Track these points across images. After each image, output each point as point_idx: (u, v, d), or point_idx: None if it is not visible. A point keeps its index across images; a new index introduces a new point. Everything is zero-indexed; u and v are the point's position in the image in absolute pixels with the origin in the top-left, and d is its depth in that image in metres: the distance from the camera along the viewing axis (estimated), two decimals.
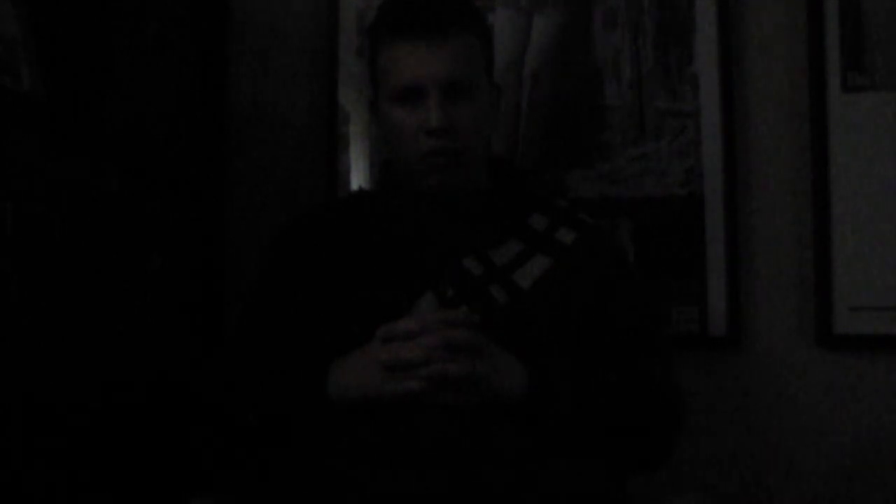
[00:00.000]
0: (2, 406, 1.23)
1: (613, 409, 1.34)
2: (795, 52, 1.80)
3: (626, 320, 1.44)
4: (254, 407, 1.37)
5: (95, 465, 1.40)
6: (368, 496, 1.22)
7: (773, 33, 1.82)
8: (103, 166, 1.46)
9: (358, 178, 1.88)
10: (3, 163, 1.24)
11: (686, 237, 1.79)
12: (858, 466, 1.75)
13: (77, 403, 1.37)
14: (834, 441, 1.76)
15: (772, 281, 1.79)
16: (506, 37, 1.86)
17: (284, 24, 1.93)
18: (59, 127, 1.39)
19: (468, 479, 1.22)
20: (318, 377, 1.32)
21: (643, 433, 1.38)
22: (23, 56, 1.33)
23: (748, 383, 1.79)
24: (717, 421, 1.78)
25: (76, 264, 1.38)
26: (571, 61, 1.85)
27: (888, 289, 1.74)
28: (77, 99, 1.44)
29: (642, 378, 1.39)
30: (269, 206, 1.89)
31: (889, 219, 1.74)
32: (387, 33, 1.41)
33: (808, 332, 1.77)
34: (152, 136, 1.63)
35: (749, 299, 1.79)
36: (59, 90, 1.40)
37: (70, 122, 1.42)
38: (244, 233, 1.87)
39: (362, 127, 1.88)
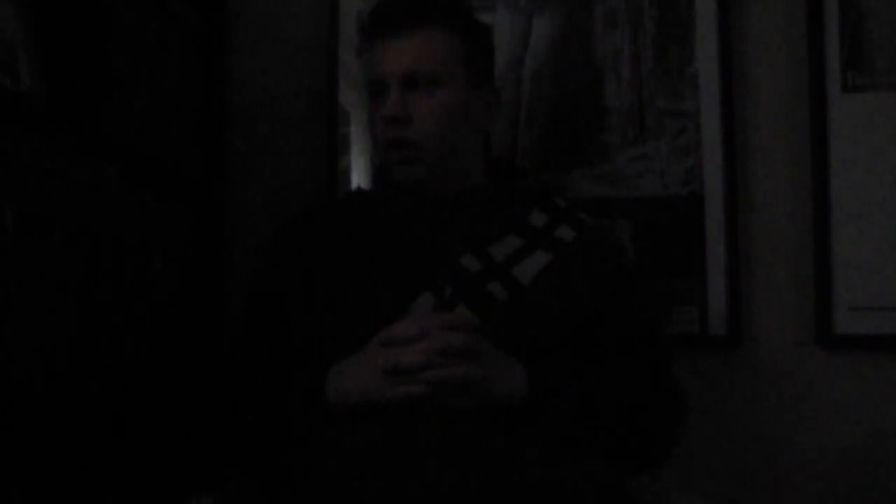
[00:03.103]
0: (2, 405, 1.23)
1: (613, 410, 1.34)
2: (795, 52, 1.80)
3: (626, 318, 1.44)
4: (253, 410, 1.38)
5: (95, 464, 1.40)
6: (368, 498, 1.22)
7: (773, 33, 1.82)
8: (103, 166, 1.46)
9: (358, 178, 1.88)
10: (3, 163, 1.24)
11: (686, 237, 1.79)
12: (859, 466, 1.75)
13: (77, 403, 1.37)
14: (834, 441, 1.76)
15: (772, 281, 1.80)
16: (506, 37, 1.86)
17: (284, 25, 1.93)
18: (59, 127, 1.39)
19: (468, 481, 1.22)
20: (317, 381, 1.32)
21: (643, 432, 1.38)
22: (23, 56, 1.33)
23: (748, 383, 1.79)
24: (717, 421, 1.78)
25: (76, 264, 1.38)
26: (571, 61, 1.85)
27: (888, 289, 1.74)
28: (77, 99, 1.44)
29: (642, 376, 1.39)
30: (269, 206, 1.89)
31: (889, 219, 1.74)
32: (365, 36, 1.51)
33: (808, 332, 1.77)
34: (152, 136, 1.63)
35: (749, 299, 1.79)
36: (59, 90, 1.39)
37: (70, 122, 1.41)
38: (244, 233, 1.87)
39: (362, 127, 1.88)
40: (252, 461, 1.40)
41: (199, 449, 1.58)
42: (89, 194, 1.42)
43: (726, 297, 1.78)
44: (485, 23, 1.63)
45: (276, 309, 1.45)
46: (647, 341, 1.45)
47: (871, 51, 1.76)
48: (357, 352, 1.32)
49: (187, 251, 1.72)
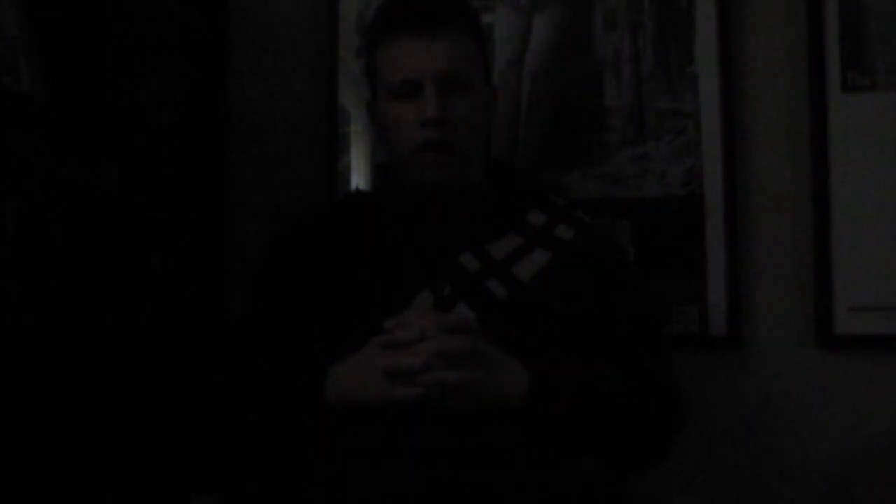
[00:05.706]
0: (2, 406, 1.23)
1: (614, 409, 1.34)
2: (795, 52, 1.80)
3: (626, 316, 1.45)
4: (253, 410, 1.38)
5: (96, 465, 1.40)
6: (368, 498, 1.22)
7: (773, 33, 1.82)
8: (103, 166, 1.46)
9: (358, 178, 1.88)
10: (3, 163, 1.24)
11: (686, 237, 1.79)
12: (858, 466, 1.75)
13: (77, 403, 1.37)
14: (834, 441, 1.76)
15: (772, 281, 1.79)
16: (506, 37, 1.86)
17: (284, 24, 1.93)
18: (59, 127, 1.39)
19: (468, 482, 1.22)
20: (316, 381, 1.32)
21: (642, 432, 1.38)
22: (23, 56, 1.33)
23: (748, 383, 1.79)
24: (717, 421, 1.78)
25: (76, 264, 1.38)
26: (571, 61, 1.85)
27: (888, 289, 1.74)
28: (77, 99, 1.44)
29: (643, 375, 1.39)
30: (269, 206, 1.89)
31: (889, 219, 1.74)
32: (384, 32, 1.44)
33: (808, 332, 1.77)
34: (152, 137, 1.63)
35: (749, 299, 1.79)
36: (59, 90, 1.40)
37: (70, 122, 1.42)
38: (244, 233, 1.87)
39: (362, 127, 1.88)
40: (252, 462, 1.40)
41: (200, 449, 1.58)
42: (89, 194, 1.42)
43: (726, 297, 1.77)
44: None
45: (276, 310, 1.45)
46: (646, 340, 1.45)
47: (871, 51, 1.76)
48: (356, 352, 1.32)
49: (187, 251, 1.72)
